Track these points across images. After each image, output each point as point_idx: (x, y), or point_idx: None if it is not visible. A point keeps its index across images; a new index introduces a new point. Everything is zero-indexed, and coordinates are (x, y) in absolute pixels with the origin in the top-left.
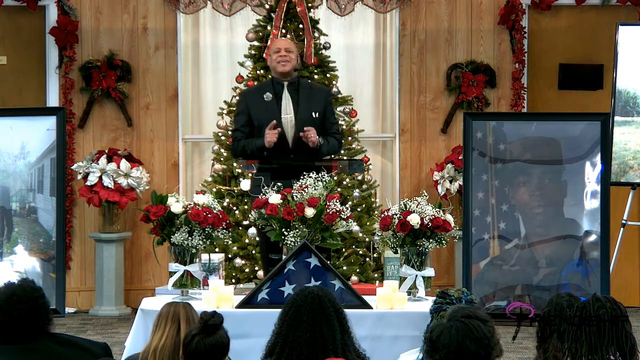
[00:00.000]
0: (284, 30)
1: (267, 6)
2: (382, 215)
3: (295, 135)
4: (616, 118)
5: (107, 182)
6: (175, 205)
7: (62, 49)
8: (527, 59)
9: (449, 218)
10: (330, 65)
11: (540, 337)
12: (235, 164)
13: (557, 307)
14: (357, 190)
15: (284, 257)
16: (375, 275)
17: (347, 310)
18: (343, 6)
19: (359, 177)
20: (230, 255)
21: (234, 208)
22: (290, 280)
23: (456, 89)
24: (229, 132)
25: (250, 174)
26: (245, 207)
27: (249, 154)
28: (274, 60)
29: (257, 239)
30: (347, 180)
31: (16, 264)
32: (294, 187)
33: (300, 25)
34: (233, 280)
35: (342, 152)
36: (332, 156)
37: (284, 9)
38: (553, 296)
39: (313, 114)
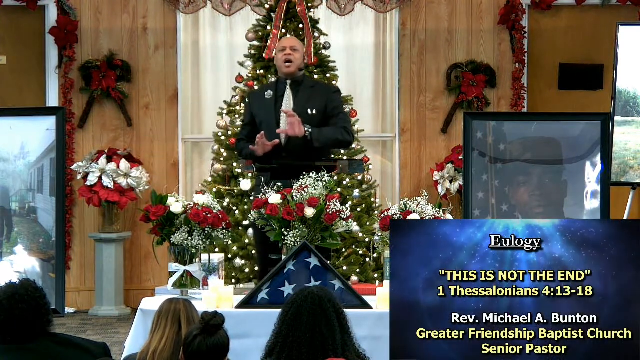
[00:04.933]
0: (284, 30)
1: (267, 6)
2: (382, 215)
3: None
4: (616, 118)
5: (107, 182)
6: (175, 205)
7: (62, 48)
8: (527, 59)
9: (449, 218)
10: (330, 65)
11: None
12: (235, 164)
13: None
14: (357, 190)
15: (284, 257)
16: (375, 275)
17: (347, 310)
18: (343, 6)
19: (359, 177)
20: (230, 255)
21: (234, 208)
22: (290, 280)
23: (456, 89)
24: (229, 132)
25: (250, 174)
26: (245, 207)
27: (244, 156)
28: (279, 60)
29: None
30: (347, 180)
31: (16, 264)
32: (294, 187)
33: (300, 25)
34: (233, 280)
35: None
36: (332, 156)
37: (284, 9)
38: None
39: (309, 110)
